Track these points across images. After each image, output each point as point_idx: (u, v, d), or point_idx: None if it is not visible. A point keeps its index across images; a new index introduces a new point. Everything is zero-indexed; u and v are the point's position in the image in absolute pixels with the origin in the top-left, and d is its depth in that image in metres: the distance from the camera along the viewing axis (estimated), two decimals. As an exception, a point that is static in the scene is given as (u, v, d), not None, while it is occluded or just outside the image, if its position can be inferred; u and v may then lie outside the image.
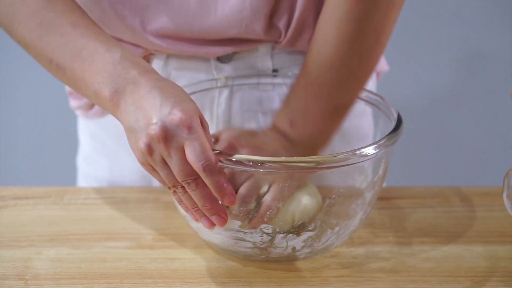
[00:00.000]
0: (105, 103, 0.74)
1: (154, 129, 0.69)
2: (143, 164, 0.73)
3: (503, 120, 1.92)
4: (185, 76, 0.93)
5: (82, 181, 1.10)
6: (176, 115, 0.69)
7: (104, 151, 1.03)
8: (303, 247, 0.79)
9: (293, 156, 0.84)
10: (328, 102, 0.85)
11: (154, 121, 0.69)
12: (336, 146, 0.92)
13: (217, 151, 0.72)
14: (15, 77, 1.86)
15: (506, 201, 0.80)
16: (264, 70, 0.94)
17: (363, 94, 0.89)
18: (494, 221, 0.91)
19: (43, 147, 1.94)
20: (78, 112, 1.04)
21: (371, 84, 1.03)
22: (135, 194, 0.96)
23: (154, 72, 0.74)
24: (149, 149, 0.70)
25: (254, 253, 0.80)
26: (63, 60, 0.76)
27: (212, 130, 0.93)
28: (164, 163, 0.71)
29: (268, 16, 0.88)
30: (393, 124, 0.81)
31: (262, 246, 0.79)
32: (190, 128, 0.69)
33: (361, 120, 0.96)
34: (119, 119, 0.74)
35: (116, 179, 1.03)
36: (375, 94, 0.88)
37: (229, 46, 0.91)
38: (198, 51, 0.91)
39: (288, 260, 0.81)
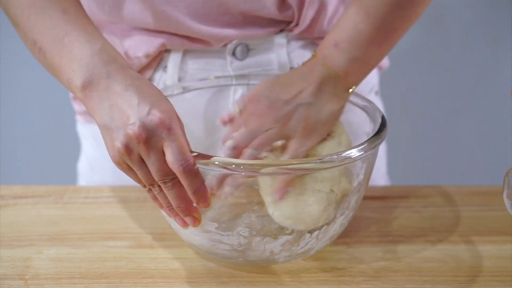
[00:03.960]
0: (76, 92, 0.74)
1: (133, 129, 0.68)
2: (119, 163, 0.72)
3: (503, 120, 1.92)
4: (201, 74, 0.93)
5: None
6: (155, 116, 0.69)
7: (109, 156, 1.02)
8: (281, 250, 0.79)
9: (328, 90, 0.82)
10: (379, 25, 0.81)
11: (132, 120, 0.69)
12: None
13: (195, 153, 0.71)
14: (15, 76, 1.86)
15: (506, 200, 0.80)
16: (280, 66, 0.94)
17: (353, 99, 0.88)
18: (494, 221, 0.91)
19: (43, 146, 1.94)
20: (81, 118, 1.03)
21: (374, 77, 1.03)
22: (135, 194, 0.96)
23: (131, 69, 0.74)
24: (127, 149, 0.69)
25: (232, 256, 0.79)
26: (45, 43, 0.76)
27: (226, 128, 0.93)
28: (142, 162, 0.71)
29: None
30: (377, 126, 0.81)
31: (239, 248, 0.78)
32: (169, 129, 0.69)
33: (364, 115, 0.96)
34: (91, 113, 0.73)
35: (122, 184, 1.03)
36: (364, 98, 0.87)
37: (243, 27, 0.90)
38: (212, 31, 0.90)
39: (267, 264, 0.81)
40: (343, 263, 0.82)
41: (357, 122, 0.95)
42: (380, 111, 0.84)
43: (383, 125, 0.80)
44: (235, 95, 0.93)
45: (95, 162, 1.05)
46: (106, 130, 0.71)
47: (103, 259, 0.83)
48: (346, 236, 0.86)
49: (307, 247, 0.79)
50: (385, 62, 1.04)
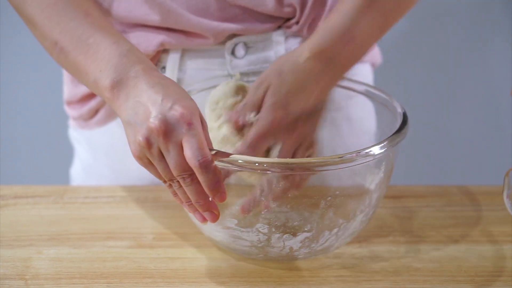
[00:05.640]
0: (103, 92, 0.74)
1: (154, 122, 0.70)
2: (140, 158, 0.73)
3: (503, 119, 1.92)
4: (201, 73, 0.93)
5: None
6: (177, 110, 0.70)
7: (106, 162, 1.02)
8: (300, 247, 0.79)
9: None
10: (370, 2, 0.81)
11: (154, 114, 0.70)
12: (346, 136, 0.93)
13: (214, 151, 0.72)
14: (15, 76, 1.86)
15: (506, 200, 0.80)
16: None
17: (367, 89, 0.88)
18: (495, 221, 0.91)
19: (43, 146, 1.94)
20: (74, 123, 1.03)
21: (368, 75, 1.03)
22: (135, 193, 0.96)
23: (157, 70, 0.75)
24: (148, 142, 0.70)
25: (253, 252, 0.80)
26: (68, 43, 0.77)
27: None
28: (162, 156, 0.71)
29: None
30: (398, 122, 0.80)
31: (259, 245, 0.79)
32: (190, 124, 0.70)
33: (365, 112, 0.96)
34: (116, 111, 0.74)
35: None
36: (381, 90, 0.87)
37: (241, 22, 0.91)
38: (211, 25, 0.90)
39: (288, 260, 0.81)
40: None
41: (358, 118, 0.95)
42: (401, 106, 0.83)
43: (404, 122, 0.80)
44: None
45: (90, 168, 1.05)
46: (129, 126, 0.72)
47: (103, 259, 0.83)
48: (368, 233, 0.87)
49: (327, 244, 0.80)
50: (377, 58, 1.04)
